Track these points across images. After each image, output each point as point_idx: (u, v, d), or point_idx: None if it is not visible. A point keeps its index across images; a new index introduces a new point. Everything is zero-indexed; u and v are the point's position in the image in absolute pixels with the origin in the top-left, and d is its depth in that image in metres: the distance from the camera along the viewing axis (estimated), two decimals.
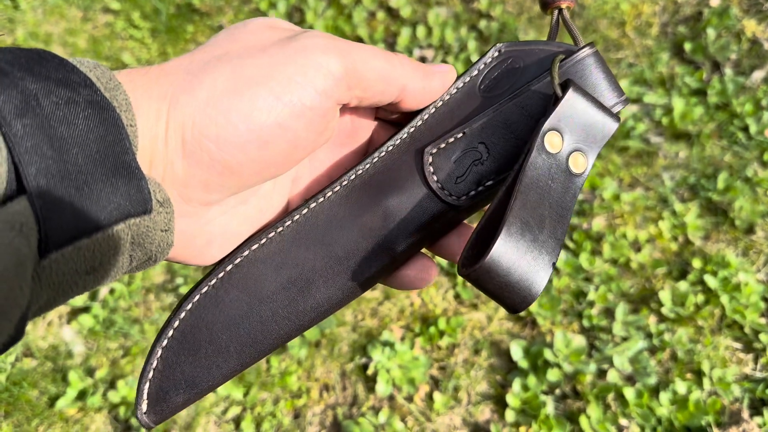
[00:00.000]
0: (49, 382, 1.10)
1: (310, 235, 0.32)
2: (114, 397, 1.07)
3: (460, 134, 0.32)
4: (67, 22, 1.47)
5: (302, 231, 0.32)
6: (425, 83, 0.32)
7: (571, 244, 1.17)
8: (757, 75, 1.32)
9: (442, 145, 0.32)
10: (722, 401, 1.03)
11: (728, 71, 1.33)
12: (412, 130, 0.33)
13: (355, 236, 0.32)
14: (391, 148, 0.33)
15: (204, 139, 0.27)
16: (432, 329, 1.11)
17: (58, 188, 0.22)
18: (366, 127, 0.36)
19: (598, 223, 1.19)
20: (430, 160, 0.32)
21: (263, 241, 0.32)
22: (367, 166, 0.33)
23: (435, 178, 0.32)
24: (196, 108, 0.27)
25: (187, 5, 1.49)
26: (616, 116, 0.30)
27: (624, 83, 1.32)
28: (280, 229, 0.32)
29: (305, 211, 0.32)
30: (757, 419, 1.01)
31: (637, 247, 1.18)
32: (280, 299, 0.31)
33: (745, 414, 1.02)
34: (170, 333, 0.30)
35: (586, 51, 0.31)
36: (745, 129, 1.27)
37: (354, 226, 0.32)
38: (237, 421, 1.07)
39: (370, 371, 1.08)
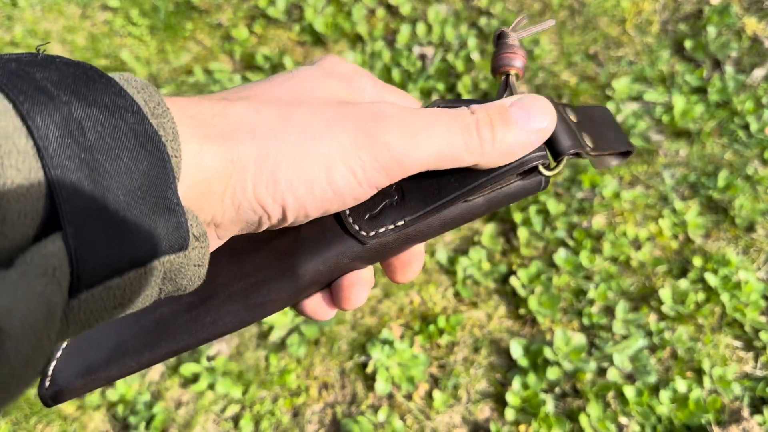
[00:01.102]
0: None
1: (226, 249, 0.33)
2: (112, 395, 1.07)
3: None
4: (66, 19, 1.47)
5: (222, 247, 0.33)
6: (504, 160, 0.30)
7: (571, 242, 1.17)
8: (758, 73, 1.32)
9: None
10: (722, 400, 1.03)
11: (729, 69, 1.32)
12: None
13: (267, 256, 0.33)
14: None
15: (258, 208, 0.28)
16: (431, 327, 1.11)
17: (95, 226, 0.21)
18: None
19: (598, 221, 1.19)
20: None
21: None
22: None
23: (347, 211, 0.32)
24: (259, 181, 0.27)
25: (185, 2, 1.49)
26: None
27: (624, 81, 1.31)
28: None
29: None
30: (758, 418, 1.01)
31: (637, 245, 1.18)
32: (183, 304, 0.32)
33: (746, 412, 1.02)
34: None
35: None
36: (746, 127, 1.27)
37: (269, 246, 0.33)
38: (236, 419, 1.06)
39: (369, 369, 1.08)
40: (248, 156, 0.27)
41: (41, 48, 0.24)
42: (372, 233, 0.32)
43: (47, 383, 0.31)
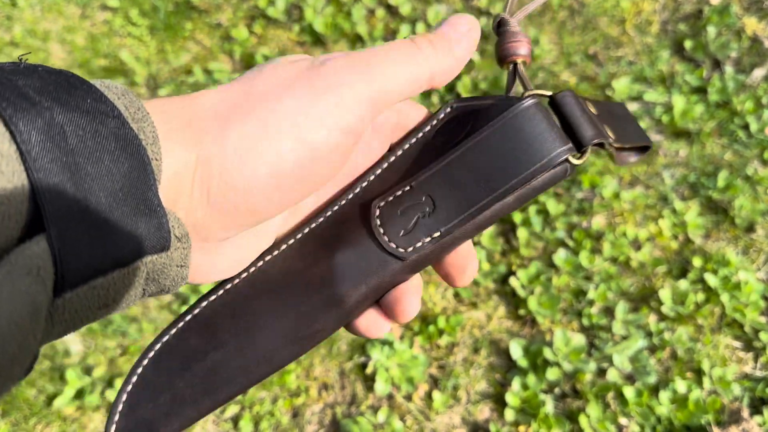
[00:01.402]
0: (47, 380, 1.09)
1: (263, 287, 0.33)
2: (112, 395, 1.07)
3: (408, 187, 0.32)
4: (65, 19, 1.47)
5: (256, 282, 0.33)
6: (450, 61, 0.31)
7: (570, 243, 1.17)
8: (758, 73, 1.32)
9: (390, 198, 0.33)
10: (722, 400, 1.03)
11: (728, 69, 1.32)
12: (365, 184, 0.34)
13: (306, 288, 0.33)
14: (344, 202, 0.34)
15: (230, 191, 0.27)
16: (431, 328, 1.11)
17: (78, 228, 0.22)
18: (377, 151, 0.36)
19: (598, 222, 1.19)
20: (377, 212, 0.33)
21: (220, 292, 0.33)
22: (321, 219, 0.34)
23: (381, 230, 0.32)
24: (224, 158, 0.27)
25: (185, 2, 1.49)
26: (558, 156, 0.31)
27: (624, 81, 1.31)
28: (237, 281, 0.33)
29: (260, 263, 0.33)
30: (757, 418, 1.01)
31: (637, 245, 1.18)
32: (232, 348, 0.32)
33: (745, 413, 1.02)
34: (134, 379, 0.32)
35: (525, 103, 0.31)
36: (746, 127, 1.27)
37: (305, 277, 0.33)
38: (235, 420, 1.06)
39: (369, 370, 1.08)
40: (211, 137, 0.27)
41: (23, 57, 0.25)
42: (410, 249, 0.32)
43: None
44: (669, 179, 1.23)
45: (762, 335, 1.08)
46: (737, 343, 1.10)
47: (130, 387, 0.32)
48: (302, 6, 1.46)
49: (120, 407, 0.31)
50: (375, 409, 1.05)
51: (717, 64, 1.34)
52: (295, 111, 0.27)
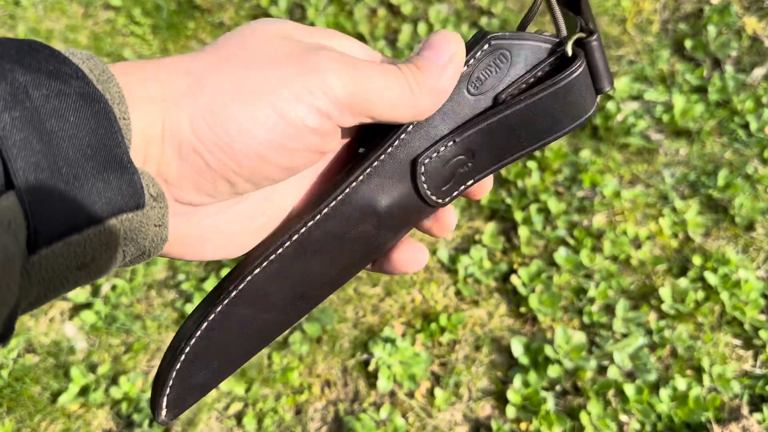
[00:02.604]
0: (52, 377, 1.10)
1: (310, 248, 0.33)
2: (116, 393, 1.07)
3: (451, 143, 0.33)
4: (68, 18, 1.47)
5: (301, 248, 0.33)
6: (434, 98, 0.31)
7: (571, 241, 1.18)
8: (758, 72, 1.32)
9: (434, 155, 0.33)
10: (722, 398, 1.04)
11: (729, 68, 1.33)
12: (403, 136, 0.33)
13: (351, 244, 0.34)
14: (384, 157, 0.33)
15: (200, 145, 0.26)
16: (433, 325, 1.11)
17: (48, 183, 0.22)
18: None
19: (599, 220, 1.20)
20: (423, 169, 0.33)
21: (264, 264, 0.33)
22: (360, 177, 0.33)
23: (426, 186, 0.33)
24: (196, 113, 0.26)
25: (188, 2, 1.49)
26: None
27: (625, 80, 1.32)
28: (280, 250, 0.33)
29: (303, 229, 0.33)
30: (757, 415, 1.02)
31: (637, 243, 1.18)
32: (280, 309, 0.34)
33: (745, 410, 1.03)
34: (182, 357, 0.32)
35: (579, 69, 0.31)
36: (746, 126, 1.27)
37: (350, 236, 0.33)
38: (239, 417, 1.07)
39: (371, 367, 1.08)
40: (180, 91, 0.26)
41: None
42: (447, 199, 0.34)
43: (163, 413, 0.32)
44: (669, 178, 1.24)
45: (762, 333, 1.09)
46: (737, 341, 1.10)
47: (179, 365, 0.32)
48: (304, 5, 1.46)
49: (171, 382, 0.31)
50: (377, 406, 1.06)
51: (717, 64, 1.35)
52: (275, 81, 0.27)
